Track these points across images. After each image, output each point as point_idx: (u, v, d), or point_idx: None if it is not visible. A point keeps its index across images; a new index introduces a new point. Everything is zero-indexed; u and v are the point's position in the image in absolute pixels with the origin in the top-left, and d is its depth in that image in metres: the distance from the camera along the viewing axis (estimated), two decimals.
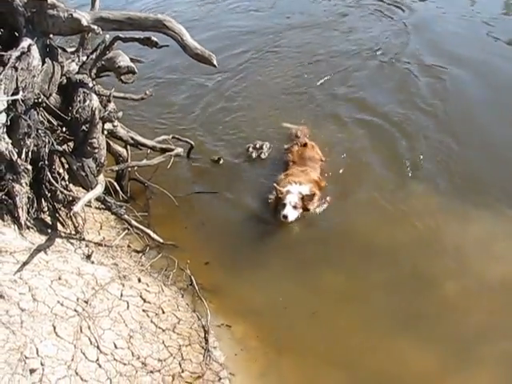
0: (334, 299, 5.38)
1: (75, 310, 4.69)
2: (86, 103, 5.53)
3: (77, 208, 4.94)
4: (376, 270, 5.60)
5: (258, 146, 7.28)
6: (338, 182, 6.89)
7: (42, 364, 4.17)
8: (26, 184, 5.18)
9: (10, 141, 5.19)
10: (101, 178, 5.50)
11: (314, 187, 6.49)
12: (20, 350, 4.16)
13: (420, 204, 6.42)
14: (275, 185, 6.38)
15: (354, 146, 7.41)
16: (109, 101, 5.59)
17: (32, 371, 4.08)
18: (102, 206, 6.17)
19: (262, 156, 7.22)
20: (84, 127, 5.39)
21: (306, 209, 6.34)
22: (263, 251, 5.96)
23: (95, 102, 5.57)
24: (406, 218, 6.18)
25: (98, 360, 4.43)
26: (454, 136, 7.28)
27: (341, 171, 7.00)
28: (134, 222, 5.81)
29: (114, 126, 5.87)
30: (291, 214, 6.19)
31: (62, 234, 5.54)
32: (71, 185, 5.90)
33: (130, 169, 6.52)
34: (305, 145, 7.13)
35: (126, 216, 5.79)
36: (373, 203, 6.44)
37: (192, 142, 7.01)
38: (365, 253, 5.75)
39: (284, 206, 6.20)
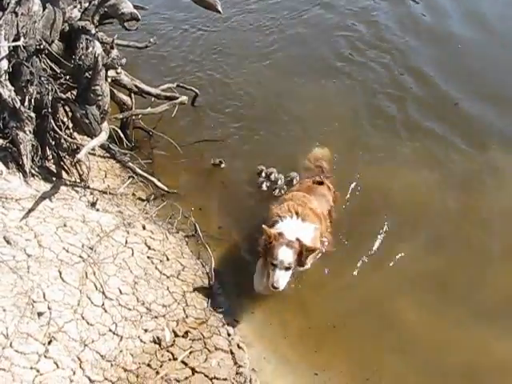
0: None
1: (80, 257, 4.77)
2: (89, 50, 5.48)
3: (81, 155, 4.94)
4: None
5: (272, 177, 6.13)
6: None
7: (49, 308, 4.27)
8: (30, 132, 5.18)
9: (13, 88, 5.18)
10: (105, 125, 5.47)
11: (320, 227, 5.24)
12: (27, 294, 4.25)
13: None
14: (264, 227, 4.86)
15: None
16: (112, 47, 5.50)
17: (40, 314, 4.19)
18: (107, 154, 6.20)
19: (276, 193, 6.02)
20: (87, 74, 5.34)
21: (301, 264, 4.95)
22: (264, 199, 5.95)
23: (98, 48, 5.50)
24: None
25: (103, 305, 4.52)
26: None
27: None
28: (138, 170, 5.82)
29: (117, 73, 5.81)
30: (283, 280, 4.79)
31: (67, 182, 5.56)
32: (75, 133, 5.91)
33: (134, 117, 6.47)
34: (320, 183, 5.81)
35: (130, 164, 5.80)
36: None
37: (197, 91, 6.93)
38: None
39: (274, 266, 4.77)
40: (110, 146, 5.74)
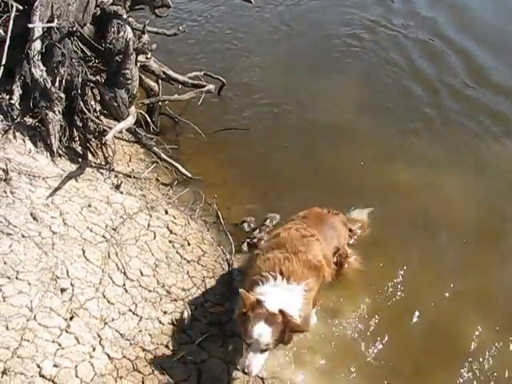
0: None
1: (104, 237, 4.84)
2: (120, 34, 5.54)
3: (108, 136, 5.01)
4: None
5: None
6: None
7: (71, 285, 4.34)
8: (59, 112, 5.26)
9: (45, 68, 5.25)
10: (132, 109, 5.54)
11: (312, 290, 4.21)
12: (52, 270, 4.33)
13: None
14: (242, 291, 3.93)
15: None
16: (143, 32, 5.56)
17: (63, 290, 4.27)
18: (132, 138, 6.27)
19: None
20: (117, 58, 5.41)
21: (284, 343, 3.99)
22: (290, 189, 5.97)
23: (129, 33, 5.56)
24: None
25: (124, 285, 4.59)
26: None
27: None
28: (163, 155, 5.87)
29: (147, 59, 5.88)
30: (257, 364, 3.89)
31: (92, 164, 5.63)
32: (102, 117, 5.97)
33: (160, 103, 6.53)
34: (337, 213, 5.18)
35: (155, 149, 5.85)
36: None
37: (224, 80, 6.96)
38: None
39: (248, 346, 3.88)
40: (137, 130, 5.78)
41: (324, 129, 6.77)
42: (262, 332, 3.76)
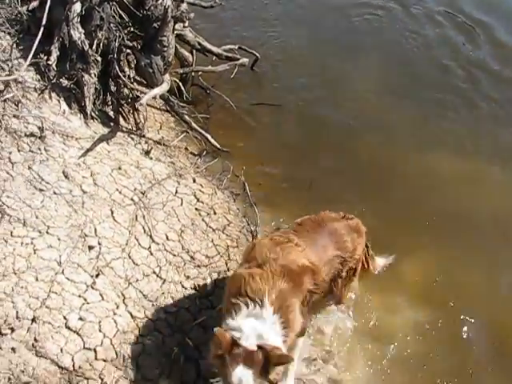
0: None
1: (132, 200, 4.91)
2: (159, 1, 5.54)
3: (143, 100, 5.06)
4: None
5: None
6: None
7: (99, 243, 4.43)
8: (95, 75, 5.33)
9: (83, 31, 5.31)
10: (166, 76, 5.57)
11: (292, 304, 3.61)
12: (80, 227, 4.43)
13: None
14: (217, 330, 3.33)
15: None
16: (182, 1, 5.57)
17: (90, 248, 4.36)
18: (164, 107, 6.32)
19: None
20: (155, 25, 5.44)
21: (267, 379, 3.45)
22: (320, 173, 5.93)
23: (168, 0, 5.56)
24: None
25: (149, 248, 4.67)
26: None
27: None
28: (194, 125, 5.91)
29: (184, 27, 5.90)
30: None
31: (124, 129, 5.69)
32: (135, 83, 6.02)
33: (193, 74, 6.56)
34: (351, 218, 4.55)
35: (187, 117, 5.89)
36: None
37: (258, 54, 6.96)
38: None
39: None
40: (170, 97, 5.82)
41: (354, 111, 6.71)
42: (242, 377, 3.24)
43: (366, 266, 4.79)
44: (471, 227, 5.56)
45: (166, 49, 5.43)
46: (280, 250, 3.82)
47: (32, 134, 4.77)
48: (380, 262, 5.02)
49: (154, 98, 5.47)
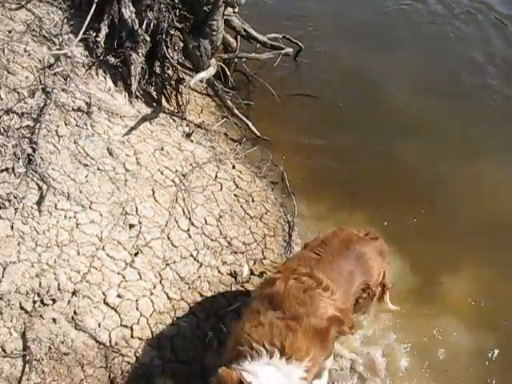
0: None
1: (173, 181, 4.91)
2: None
3: (192, 82, 5.07)
4: None
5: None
6: None
7: (139, 222, 4.44)
8: (143, 54, 5.34)
9: (134, 10, 5.30)
10: (213, 61, 5.55)
11: (315, 365, 3.28)
12: (122, 205, 4.44)
13: None
14: (222, 370, 2.90)
15: None
16: None
17: (131, 226, 4.37)
18: (204, 91, 6.31)
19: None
20: (206, 8, 5.40)
21: None
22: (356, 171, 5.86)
23: None
24: None
25: (188, 230, 4.66)
26: None
27: None
28: (235, 111, 5.87)
29: (233, 13, 5.86)
30: None
31: (166, 110, 5.69)
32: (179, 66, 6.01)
33: (236, 60, 6.53)
34: (376, 238, 4.22)
35: (229, 103, 5.86)
36: None
37: (301, 45, 6.90)
38: None
39: None
40: (215, 82, 5.80)
41: (394, 112, 6.54)
42: None
43: (381, 294, 4.26)
44: None
45: (215, 33, 5.40)
46: (310, 301, 3.44)
47: (79, 109, 4.78)
48: (388, 302, 4.41)
49: (201, 81, 5.45)
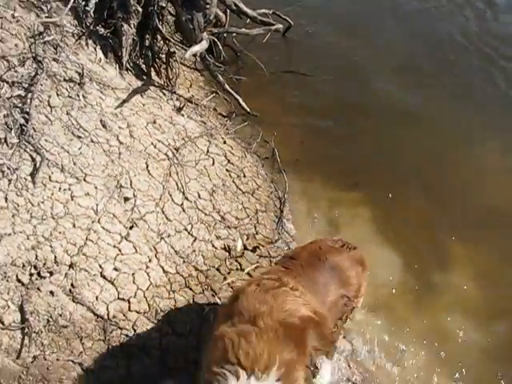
0: None
1: (166, 155, 4.86)
2: None
3: (187, 55, 5.02)
4: None
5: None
6: None
7: (134, 195, 4.40)
8: (134, 26, 5.26)
9: None
10: (205, 35, 5.46)
11: (293, 372, 2.76)
12: (117, 178, 4.38)
13: None
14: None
15: None
16: None
17: (126, 199, 4.33)
18: (193, 65, 6.24)
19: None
20: None
21: None
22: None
23: None
24: None
25: (182, 205, 4.64)
26: None
27: None
28: (226, 86, 5.81)
29: None
30: None
31: (156, 83, 5.61)
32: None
33: (225, 35, 6.46)
34: (353, 248, 3.83)
35: (220, 78, 5.79)
36: None
37: (291, 21, 6.85)
38: None
39: None
40: (207, 56, 5.72)
41: (383, 92, 6.53)
42: None
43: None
44: None
45: (208, 6, 5.32)
46: (272, 299, 3.01)
47: (71, 80, 4.68)
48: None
49: (194, 55, 5.37)
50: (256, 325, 2.84)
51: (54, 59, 4.69)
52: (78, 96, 4.64)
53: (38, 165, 4.06)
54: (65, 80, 4.65)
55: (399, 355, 4.40)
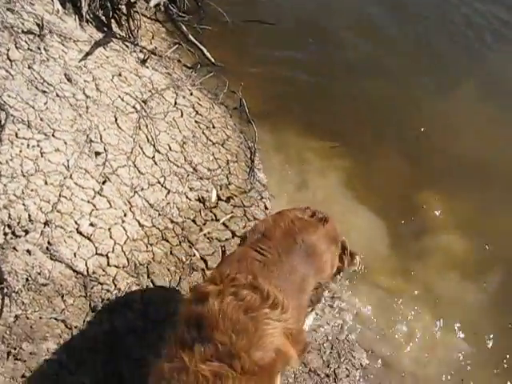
0: None
1: (134, 107, 4.76)
2: None
3: (152, 3, 4.86)
4: None
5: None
6: None
7: (105, 150, 4.30)
8: None
9: None
10: None
11: None
12: (86, 132, 4.27)
13: None
14: None
15: None
16: None
17: (97, 154, 4.23)
18: (153, 16, 6.04)
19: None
20: None
21: None
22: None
23: None
24: None
25: (154, 157, 4.57)
26: None
27: None
28: (190, 37, 5.69)
29: None
30: None
31: (118, 35, 5.42)
32: None
33: None
34: (324, 220, 3.36)
35: (184, 28, 5.65)
36: None
37: None
38: None
39: None
40: (170, 6, 5.55)
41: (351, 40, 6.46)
42: None
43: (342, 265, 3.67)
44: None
45: None
46: (253, 328, 2.57)
47: (30, 32, 4.49)
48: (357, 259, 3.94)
49: (158, 4, 5.20)
50: (232, 367, 2.42)
51: (9, 9, 4.48)
52: (39, 49, 4.46)
53: (3, 122, 3.92)
54: (23, 32, 4.45)
55: (397, 320, 4.53)
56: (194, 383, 2.33)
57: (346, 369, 4.17)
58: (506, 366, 4.35)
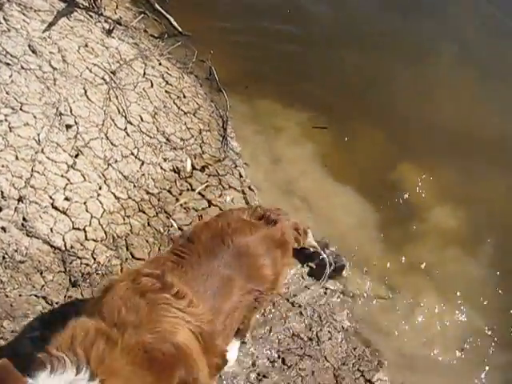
0: None
1: (103, 79, 4.65)
2: None
3: None
4: None
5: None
6: None
7: (76, 123, 4.22)
8: None
9: None
10: None
11: None
12: (55, 105, 4.17)
13: None
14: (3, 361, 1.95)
15: None
16: None
17: (68, 127, 4.15)
18: None
19: None
20: None
21: None
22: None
23: None
24: None
25: (126, 129, 4.50)
26: None
27: None
28: (156, 6, 5.56)
29: None
30: None
31: (81, 5, 5.24)
32: None
33: None
34: (273, 222, 3.06)
35: None
36: None
37: None
38: None
39: None
40: None
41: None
42: None
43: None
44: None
45: None
46: (147, 309, 2.32)
47: None
48: (311, 239, 3.83)
49: None
50: (120, 333, 2.19)
51: None
52: None
53: None
54: None
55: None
56: (75, 337, 2.14)
57: (329, 331, 4.23)
58: None
